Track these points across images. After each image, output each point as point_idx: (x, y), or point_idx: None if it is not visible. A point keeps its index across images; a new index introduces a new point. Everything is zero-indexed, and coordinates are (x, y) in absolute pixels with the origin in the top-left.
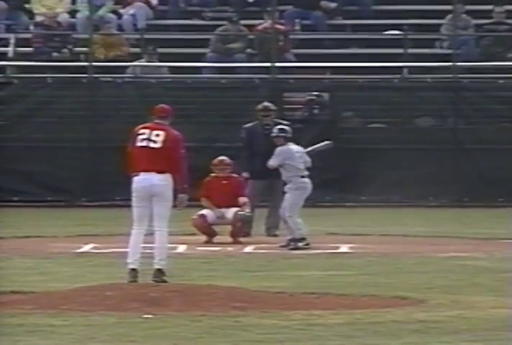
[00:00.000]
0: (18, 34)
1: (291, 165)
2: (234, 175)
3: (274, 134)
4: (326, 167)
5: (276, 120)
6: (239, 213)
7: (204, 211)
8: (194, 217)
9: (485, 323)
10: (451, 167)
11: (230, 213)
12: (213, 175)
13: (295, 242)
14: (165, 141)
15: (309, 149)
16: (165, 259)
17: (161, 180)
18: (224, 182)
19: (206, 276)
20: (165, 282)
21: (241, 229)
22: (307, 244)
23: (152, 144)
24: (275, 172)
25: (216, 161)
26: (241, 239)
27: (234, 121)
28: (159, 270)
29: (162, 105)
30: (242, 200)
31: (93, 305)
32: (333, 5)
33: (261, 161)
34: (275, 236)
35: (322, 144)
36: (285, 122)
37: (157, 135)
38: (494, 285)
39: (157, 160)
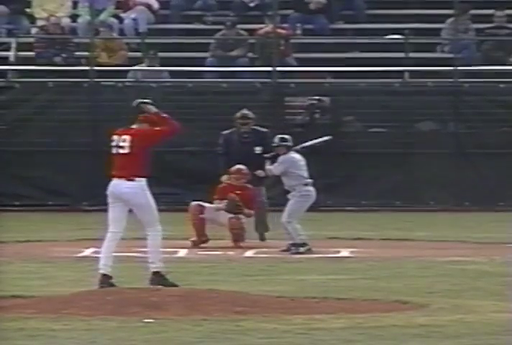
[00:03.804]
0: (19, 39)
1: (295, 173)
2: (249, 186)
3: (275, 144)
4: (327, 171)
5: (254, 127)
6: (232, 220)
7: (206, 204)
8: (193, 204)
9: (486, 328)
10: (452, 171)
11: (225, 217)
12: (228, 182)
13: (297, 247)
14: (131, 147)
15: (306, 144)
16: (160, 260)
17: (130, 188)
18: (238, 192)
19: (207, 280)
20: (163, 285)
21: (239, 235)
22: (309, 249)
23: (120, 150)
24: (257, 179)
25: (233, 169)
26: (241, 244)
27: (235, 125)
28: (155, 273)
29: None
30: (248, 211)
31: (93, 309)
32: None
33: (236, 161)
34: (265, 240)
35: (322, 139)
36: (264, 129)
37: (124, 140)
38: (495, 289)
39: (126, 166)
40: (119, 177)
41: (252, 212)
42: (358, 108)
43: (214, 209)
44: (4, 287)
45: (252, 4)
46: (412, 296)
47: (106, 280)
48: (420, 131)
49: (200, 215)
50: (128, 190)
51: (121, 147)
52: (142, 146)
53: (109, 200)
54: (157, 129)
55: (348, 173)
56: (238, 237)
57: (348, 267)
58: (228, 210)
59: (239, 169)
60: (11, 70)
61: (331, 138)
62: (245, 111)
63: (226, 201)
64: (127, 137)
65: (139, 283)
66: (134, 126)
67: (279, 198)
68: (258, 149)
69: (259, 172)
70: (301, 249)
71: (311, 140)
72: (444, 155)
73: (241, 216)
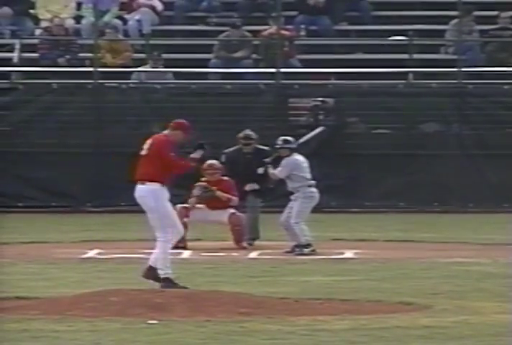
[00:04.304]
0: (23, 40)
1: (298, 175)
2: (225, 178)
3: (278, 146)
4: (330, 173)
5: (258, 146)
6: (232, 218)
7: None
8: (178, 207)
9: (489, 329)
10: (456, 172)
11: (216, 215)
12: (203, 179)
13: (301, 248)
14: (149, 149)
15: (303, 139)
16: (168, 267)
17: (140, 192)
18: (214, 187)
19: (211, 281)
20: (167, 287)
21: (241, 233)
22: (313, 250)
23: (142, 153)
24: (255, 194)
25: (205, 165)
26: (244, 244)
27: (238, 126)
28: (165, 279)
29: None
30: (228, 196)
31: (97, 310)
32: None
33: (241, 186)
34: (252, 245)
35: (316, 131)
36: (266, 148)
37: (146, 143)
38: (498, 291)
39: (142, 168)
40: (136, 180)
41: (235, 199)
42: (362, 109)
43: (190, 205)
44: (8, 288)
45: None
46: (416, 297)
47: (151, 272)
48: (424, 132)
49: (185, 219)
50: (138, 195)
51: (143, 150)
52: (157, 152)
53: None
54: (168, 155)
55: (352, 174)
56: (240, 236)
57: (352, 268)
58: (202, 197)
59: (211, 165)
60: (15, 72)
61: (324, 129)
62: (248, 132)
63: (195, 190)
64: (150, 141)
65: (143, 284)
66: (165, 132)
67: (280, 200)
68: (261, 170)
69: (250, 186)
70: (305, 250)
71: (305, 135)
72: (447, 156)
73: (238, 213)
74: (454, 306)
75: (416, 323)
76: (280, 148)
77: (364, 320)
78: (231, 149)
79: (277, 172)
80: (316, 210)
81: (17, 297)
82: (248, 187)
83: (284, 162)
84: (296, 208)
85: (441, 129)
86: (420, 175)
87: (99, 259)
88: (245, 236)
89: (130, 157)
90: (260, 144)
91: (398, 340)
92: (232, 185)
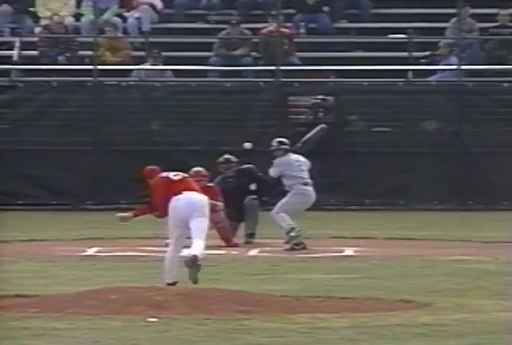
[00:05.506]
0: (23, 38)
1: (291, 175)
2: (210, 185)
3: (273, 148)
4: (330, 171)
5: (239, 167)
6: (211, 215)
7: None
8: None
9: (489, 327)
10: (456, 170)
11: None
12: None
13: (288, 233)
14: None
15: (305, 138)
16: (172, 275)
17: None
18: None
19: (211, 279)
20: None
21: (226, 230)
22: (299, 231)
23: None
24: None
25: (191, 172)
26: (234, 241)
27: (238, 124)
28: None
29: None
30: (216, 203)
31: (97, 308)
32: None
33: (234, 208)
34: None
35: (316, 129)
36: (247, 166)
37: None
38: (498, 289)
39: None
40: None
41: (220, 204)
42: (362, 107)
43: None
44: (8, 286)
45: None
46: (415, 295)
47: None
48: (423, 130)
49: None
50: None
51: (179, 175)
52: None
53: None
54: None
55: (351, 172)
56: (226, 233)
57: (351, 266)
58: None
59: (198, 172)
60: (14, 69)
61: (324, 126)
62: (228, 156)
63: None
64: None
65: (143, 282)
66: (186, 175)
67: (278, 198)
68: (253, 186)
69: (248, 198)
70: (293, 234)
71: (306, 135)
72: (447, 154)
73: (216, 208)
74: (454, 304)
75: (415, 321)
76: (275, 149)
77: (364, 318)
78: (216, 180)
79: (270, 171)
80: (315, 207)
81: (17, 295)
82: (247, 199)
83: (276, 161)
84: (283, 200)
85: (441, 126)
86: (419, 172)
87: (99, 256)
88: (231, 232)
89: (130, 154)
90: (243, 164)
91: (397, 338)
92: (218, 191)
